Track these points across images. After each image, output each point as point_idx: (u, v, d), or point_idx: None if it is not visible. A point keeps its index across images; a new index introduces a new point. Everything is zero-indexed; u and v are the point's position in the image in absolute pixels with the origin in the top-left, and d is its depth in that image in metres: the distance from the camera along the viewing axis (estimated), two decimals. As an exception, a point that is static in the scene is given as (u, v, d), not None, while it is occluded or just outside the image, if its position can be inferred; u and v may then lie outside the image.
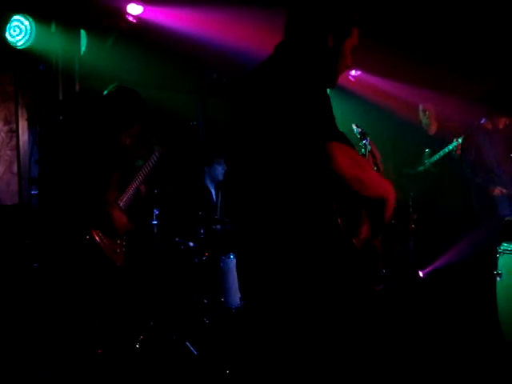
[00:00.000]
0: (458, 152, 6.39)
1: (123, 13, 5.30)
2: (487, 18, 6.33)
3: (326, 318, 2.19)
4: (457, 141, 6.37)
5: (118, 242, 4.07)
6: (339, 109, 2.60)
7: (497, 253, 4.67)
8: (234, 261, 5.08)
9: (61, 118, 4.73)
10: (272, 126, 2.14)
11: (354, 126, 3.23)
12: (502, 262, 4.61)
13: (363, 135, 3.14)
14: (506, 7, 6.08)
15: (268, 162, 2.17)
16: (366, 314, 2.29)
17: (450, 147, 6.50)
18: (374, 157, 2.97)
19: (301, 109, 2.09)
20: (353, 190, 2.12)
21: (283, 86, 2.15)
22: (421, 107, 7.00)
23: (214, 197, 6.16)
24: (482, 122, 5.91)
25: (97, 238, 3.89)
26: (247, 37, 5.48)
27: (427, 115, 6.95)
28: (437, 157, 6.72)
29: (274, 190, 2.18)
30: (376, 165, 2.88)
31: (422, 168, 6.87)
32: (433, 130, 6.97)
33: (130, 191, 4.20)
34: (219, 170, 6.14)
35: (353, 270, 2.21)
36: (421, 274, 6.47)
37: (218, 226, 5.58)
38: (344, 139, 2.23)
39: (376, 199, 2.21)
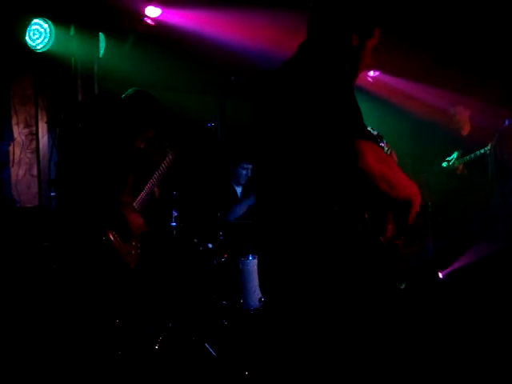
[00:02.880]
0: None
1: (141, 15, 5.33)
2: (509, 18, 6.27)
3: (351, 316, 2.19)
4: (491, 145, 6.28)
5: (133, 243, 4.08)
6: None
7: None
8: (253, 262, 5.09)
9: (78, 120, 4.76)
10: (301, 123, 2.14)
11: (370, 129, 3.22)
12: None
13: (379, 138, 3.13)
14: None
15: (295, 159, 2.18)
16: (390, 312, 2.28)
17: (482, 151, 6.42)
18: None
19: (329, 106, 2.09)
20: (380, 189, 2.11)
21: (310, 84, 2.16)
22: (452, 110, 6.93)
23: (239, 196, 6.19)
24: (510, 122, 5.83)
25: (112, 239, 3.91)
26: (265, 38, 5.48)
27: (457, 117, 6.88)
28: (468, 158, 6.64)
29: (302, 186, 2.18)
30: None
31: (452, 168, 6.78)
32: (466, 131, 6.88)
33: (144, 193, 4.22)
34: (243, 175, 6.16)
35: (379, 267, 2.21)
36: (440, 275, 6.42)
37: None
38: (372, 138, 2.22)
39: (402, 200, 2.19)
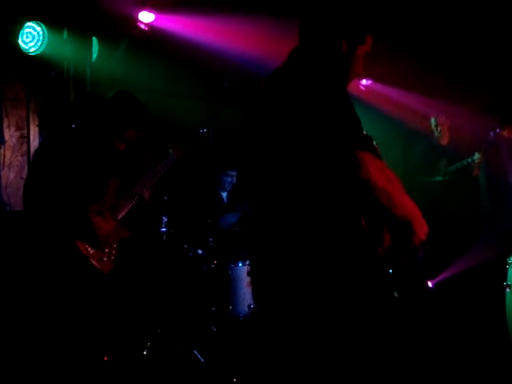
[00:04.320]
0: (476, 171, 6.32)
1: (135, 20, 5.34)
2: (497, 28, 6.32)
3: (348, 324, 2.18)
4: (478, 154, 6.30)
5: (106, 250, 3.96)
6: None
7: (506, 264, 4.64)
8: (243, 269, 5.09)
9: (63, 121, 4.74)
10: (298, 131, 2.13)
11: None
12: (512, 273, 4.59)
13: (369, 139, 3.09)
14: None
15: (293, 167, 2.17)
16: (387, 319, 2.27)
17: (470, 160, 6.45)
18: None
19: (328, 113, 2.09)
20: (380, 202, 2.09)
21: (305, 91, 2.16)
22: (433, 119, 6.97)
23: (226, 201, 6.18)
24: (498, 131, 5.85)
25: (81, 247, 3.82)
26: (258, 46, 5.50)
27: (440, 127, 6.93)
28: (454, 167, 6.68)
29: (299, 194, 2.17)
30: None
31: (440, 178, 6.82)
32: (445, 140, 6.94)
33: (131, 198, 4.15)
34: (228, 182, 6.16)
35: (375, 276, 2.22)
36: (430, 284, 6.43)
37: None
38: (373, 148, 2.22)
39: (401, 219, 2.13)
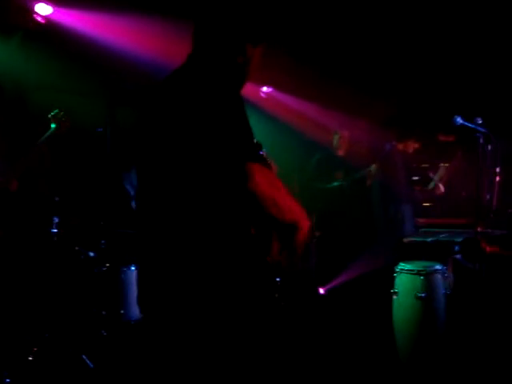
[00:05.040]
0: (369, 181, 6.53)
1: (31, 12, 5.14)
2: (395, 44, 6.58)
3: (234, 334, 2.18)
4: (373, 167, 6.51)
5: None
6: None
7: (394, 272, 4.82)
8: (135, 272, 4.99)
9: None
10: (188, 138, 2.11)
11: None
12: (399, 281, 4.76)
13: (258, 146, 3.07)
14: (413, 34, 6.34)
15: (182, 173, 2.14)
16: (270, 324, 2.29)
17: (366, 171, 6.66)
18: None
19: (220, 123, 2.08)
20: (267, 210, 2.12)
21: (198, 97, 2.13)
22: (336, 132, 7.17)
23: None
24: (394, 143, 6.07)
25: None
26: (158, 46, 5.44)
27: (340, 139, 7.13)
28: (352, 178, 6.88)
29: (188, 203, 2.14)
30: None
31: (337, 183, 6.99)
32: (342, 152, 7.16)
33: None
34: (136, 178, 6.01)
35: (264, 285, 2.23)
36: (321, 290, 6.57)
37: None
38: (262, 158, 2.23)
39: (288, 223, 2.19)
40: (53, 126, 4.63)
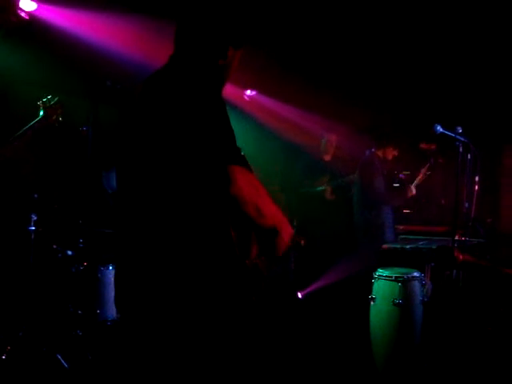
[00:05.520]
0: (353, 189, 6.55)
1: (15, 7, 5.09)
2: (377, 52, 6.62)
3: (210, 335, 2.18)
4: (354, 174, 6.53)
5: None
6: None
7: (372, 278, 4.83)
8: (113, 272, 4.96)
9: None
10: (168, 140, 2.10)
11: None
12: (377, 287, 4.77)
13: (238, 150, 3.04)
14: (394, 43, 6.39)
15: (163, 174, 2.13)
16: (250, 327, 2.29)
17: (348, 178, 6.69)
18: None
19: (202, 126, 2.08)
20: (249, 214, 2.13)
21: (180, 99, 2.12)
22: (323, 136, 7.20)
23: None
24: (373, 150, 6.10)
25: None
26: (142, 46, 5.43)
27: (327, 143, 7.17)
28: (334, 184, 6.91)
29: (169, 205, 2.14)
30: None
31: (321, 188, 7.02)
32: (328, 157, 7.20)
33: None
34: (115, 178, 5.96)
35: (242, 288, 2.23)
36: (299, 295, 6.58)
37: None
38: (244, 161, 2.23)
39: (268, 228, 2.21)
40: (41, 113, 4.46)
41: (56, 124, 4.52)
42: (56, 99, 4.57)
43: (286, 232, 2.24)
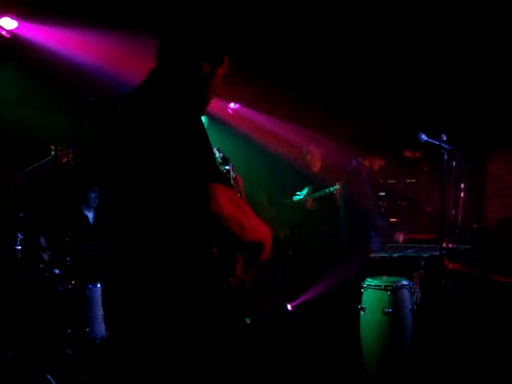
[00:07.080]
0: (338, 199, 6.57)
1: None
2: (361, 62, 6.66)
3: (198, 351, 2.15)
4: (339, 185, 6.55)
5: None
6: (216, 140, 2.58)
7: (362, 288, 4.83)
8: (101, 290, 4.93)
9: None
10: (149, 159, 2.09)
11: (216, 151, 3.06)
12: (366, 296, 4.78)
13: (225, 160, 3.03)
14: (378, 53, 6.43)
15: (143, 196, 2.12)
16: (237, 345, 2.27)
17: (332, 189, 6.71)
18: (236, 184, 2.93)
19: (180, 144, 2.06)
20: (231, 231, 2.12)
21: (159, 116, 2.11)
22: (304, 148, 7.21)
23: (92, 221, 5.97)
24: (360, 160, 6.12)
25: None
26: (125, 62, 5.42)
27: (309, 155, 7.17)
28: (318, 194, 6.91)
29: (150, 224, 2.12)
30: (239, 192, 2.85)
31: (304, 198, 7.02)
32: (316, 168, 7.18)
33: None
34: (92, 198, 5.95)
35: (227, 306, 2.21)
36: (289, 306, 6.56)
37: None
38: (223, 178, 2.23)
39: (253, 243, 2.22)
40: (52, 153, 4.52)
41: (67, 167, 4.57)
42: (65, 147, 4.64)
43: (268, 243, 2.27)
